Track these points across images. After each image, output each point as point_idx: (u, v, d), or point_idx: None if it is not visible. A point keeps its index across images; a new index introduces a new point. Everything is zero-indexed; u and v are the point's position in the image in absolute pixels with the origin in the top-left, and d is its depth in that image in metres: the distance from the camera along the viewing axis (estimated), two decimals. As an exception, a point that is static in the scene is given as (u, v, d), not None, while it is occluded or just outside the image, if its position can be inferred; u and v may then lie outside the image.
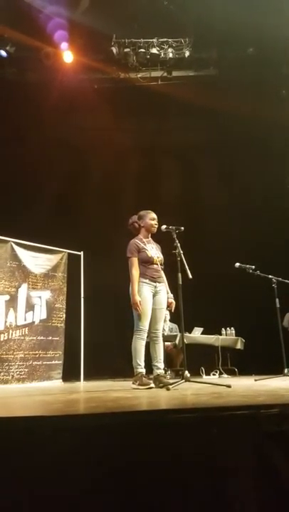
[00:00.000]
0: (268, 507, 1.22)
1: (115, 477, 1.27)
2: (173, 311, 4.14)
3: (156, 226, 4.08)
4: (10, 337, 5.71)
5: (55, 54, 7.26)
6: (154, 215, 4.13)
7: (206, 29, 7.17)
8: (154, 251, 4.03)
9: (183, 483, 1.26)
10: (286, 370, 4.73)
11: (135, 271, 3.91)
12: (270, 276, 5.10)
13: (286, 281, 5.16)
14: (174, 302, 4.04)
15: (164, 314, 4.16)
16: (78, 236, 7.19)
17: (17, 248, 6.07)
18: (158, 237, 4.20)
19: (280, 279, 5.12)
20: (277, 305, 5.07)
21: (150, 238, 4.16)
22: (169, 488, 1.25)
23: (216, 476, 1.27)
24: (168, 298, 4.04)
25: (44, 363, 6.06)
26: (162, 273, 4.04)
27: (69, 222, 7.47)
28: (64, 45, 7.16)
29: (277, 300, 5.06)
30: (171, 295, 4.07)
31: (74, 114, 7.72)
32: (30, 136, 7.62)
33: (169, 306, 4.05)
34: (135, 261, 3.94)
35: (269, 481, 1.26)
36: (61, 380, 6.19)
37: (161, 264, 4.03)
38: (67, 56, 7.29)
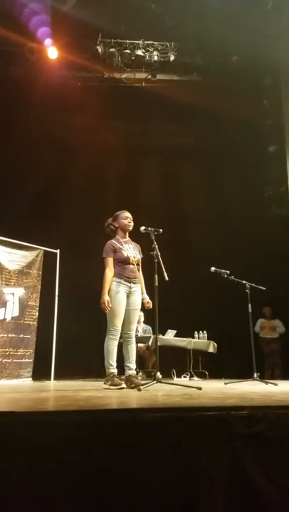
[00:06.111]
0: (235, 504, 1.25)
1: (86, 474, 1.27)
2: (150, 307, 4.03)
3: (131, 224, 4.07)
4: (-20, 333, 5.60)
5: (40, 50, 7.19)
6: (127, 214, 4.12)
7: (191, 35, 7.25)
8: (131, 251, 4.02)
9: (153, 480, 1.27)
10: (255, 375, 4.80)
11: (109, 271, 3.90)
12: (243, 281, 5.16)
13: (259, 287, 5.23)
14: (150, 302, 4.00)
15: (138, 315, 4.14)
16: (56, 234, 7.11)
17: (-9, 243, 5.95)
18: (137, 238, 4.19)
19: (253, 284, 5.18)
20: (250, 310, 5.13)
21: (128, 238, 4.14)
22: (140, 485, 1.25)
23: (186, 474, 1.29)
24: (143, 299, 4.02)
25: (14, 360, 5.96)
26: (138, 273, 4.03)
27: (47, 220, 7.37)
28: (48, 42, 7.10)
29: (249, 305, 5.13)
30: (146, 295, 4.05)
31: (57, 110, 7.65)
32: (12, 132, 7.50)
33: (145, 305, 4.02)
34: (110, 261, 3.93)
35: (238, 479, 1.29)
36: (31, 379, 6.11)
37: (137, 265, 4.01)
38: (52, 52, 7.24)
